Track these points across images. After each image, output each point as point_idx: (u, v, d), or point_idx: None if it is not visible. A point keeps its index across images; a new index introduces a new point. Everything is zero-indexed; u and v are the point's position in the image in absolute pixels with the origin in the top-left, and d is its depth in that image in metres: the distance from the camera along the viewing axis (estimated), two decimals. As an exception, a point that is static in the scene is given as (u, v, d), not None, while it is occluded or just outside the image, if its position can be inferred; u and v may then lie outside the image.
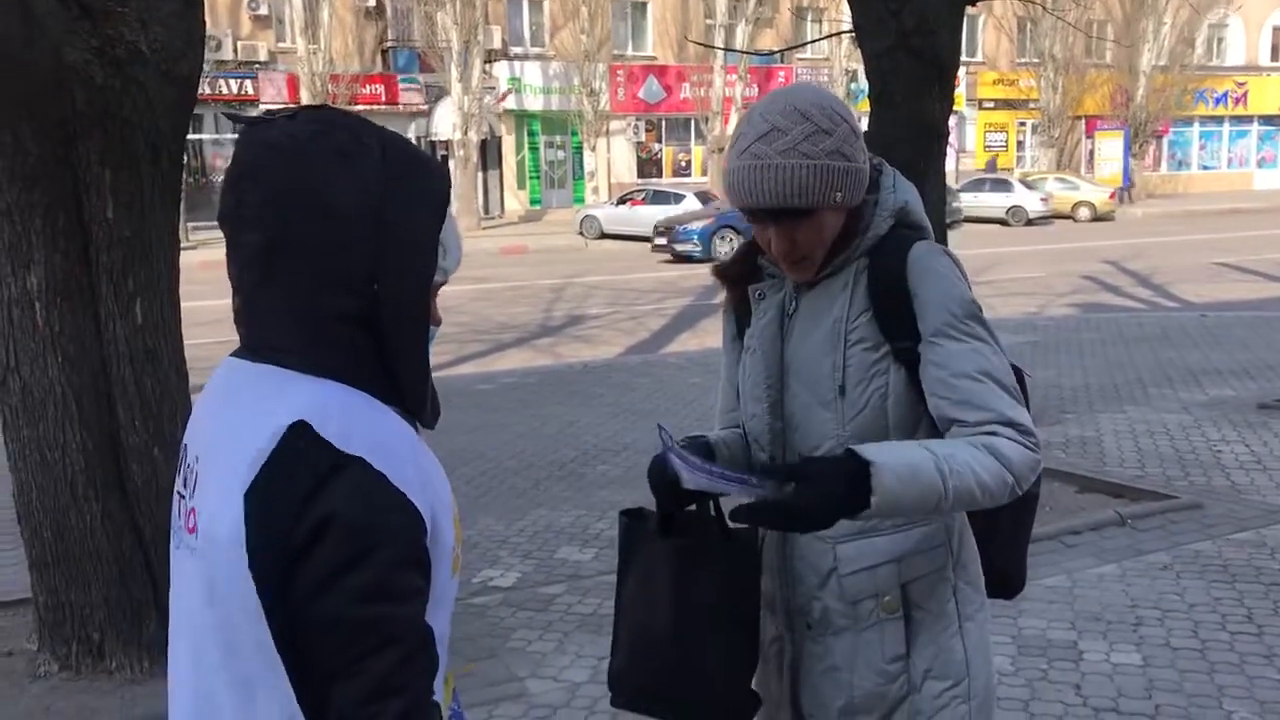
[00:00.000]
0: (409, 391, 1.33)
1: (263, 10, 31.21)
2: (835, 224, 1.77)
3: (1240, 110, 44.40)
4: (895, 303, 1.76)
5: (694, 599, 1.81)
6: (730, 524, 1.80)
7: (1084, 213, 31.95)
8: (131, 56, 4.03)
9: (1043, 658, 4.14)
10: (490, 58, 32.65)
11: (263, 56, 31.14)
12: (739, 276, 1.95)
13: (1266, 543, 5.32)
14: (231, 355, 1.37)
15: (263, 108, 30.69)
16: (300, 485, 1.21)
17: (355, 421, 1.25)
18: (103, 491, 4.14)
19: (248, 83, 30.92)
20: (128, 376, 4.13)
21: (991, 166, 31.61)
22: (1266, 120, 45.21)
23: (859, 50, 6.06)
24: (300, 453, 1.22)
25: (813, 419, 1.80)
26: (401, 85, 32.90)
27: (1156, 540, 5.37)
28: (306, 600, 1.21)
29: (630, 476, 6.86)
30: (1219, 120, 44.36)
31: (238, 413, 1.29)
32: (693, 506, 1.87)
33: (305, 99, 30.06)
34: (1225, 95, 43.41)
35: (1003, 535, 1.95)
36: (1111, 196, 32.98)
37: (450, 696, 1.59)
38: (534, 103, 34.50)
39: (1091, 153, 40.54)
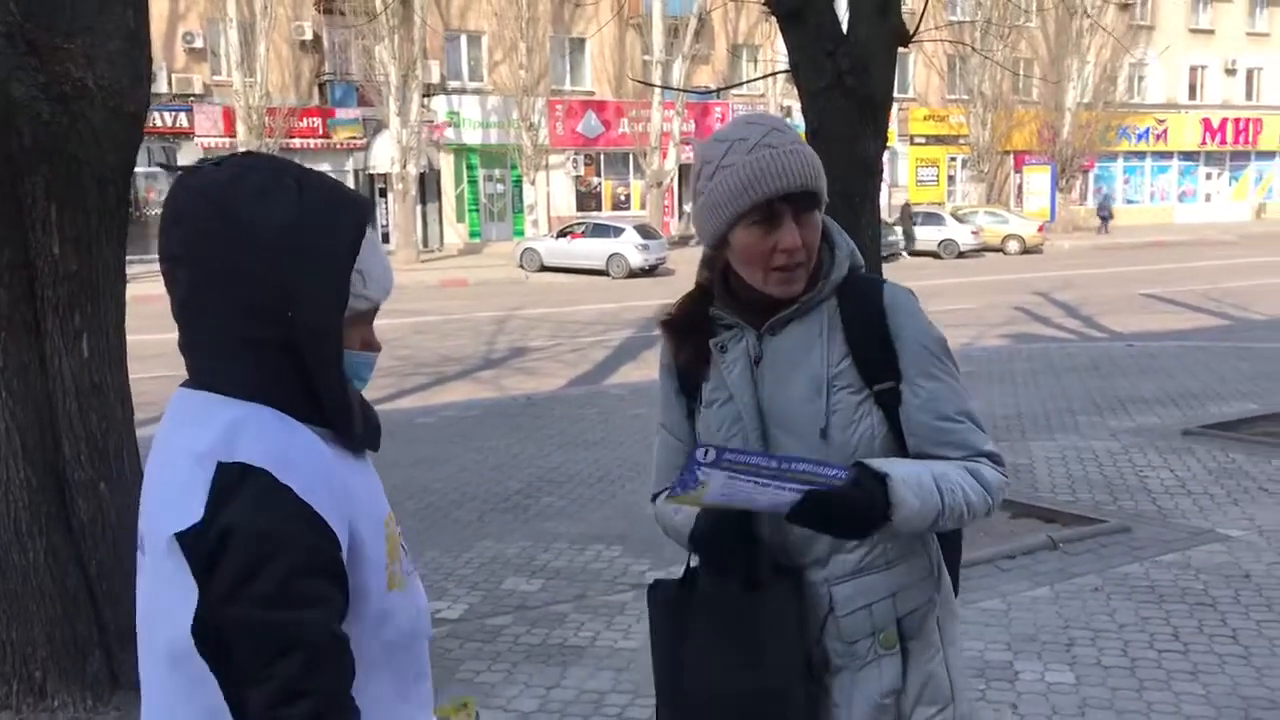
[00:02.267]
0: (331, 410, 1.41)
1: (198, 43, 31.02)
2: (820, 231, 1.83)
3: (1161, 146, 45.76)
4: (876, 346, 1.81)
5: (775, 650, 1.81)
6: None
7: (1013, 245, 32.66)
8: (78, 93, 4.04)
9: (980, 678, 4.25)
10: (429, 91, 32.71)
11: (198, 89, 30.92)
12: (691, 329, 1.93)
13: (1191, 564, 5.51)
14: (180, 385, 1.46)
15: (198, 141, 30.60)
16: (210, 498, 1.30)
17: (265, 439, 1.34)
18: (47, 527, 4.10)
19: (182, 115, 30.67)
20: (74, 411, 4.11)
21: (906, 212, 32.31)
22: (1186, 156, 46.63)
23: (795, 88, 6.21)
24: (214, 471, 1.31)
25: None
26: (337, 123, 32.75)
27: (1087, 563, 5.54)
28: (218, 607, 1.29)
29: (575, 508, 6.92)
30: (1141, 156, 45.66)
31: (172, 437, 1.40)
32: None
33: (241, 132, 29.89)
34: (1147, 132, 44.73)
35: (951, 550, 2.03)
36: (1040, 230, 33.77)
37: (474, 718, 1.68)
38: (473, 136, 34.59)
39: (1020, 187, 41.52)
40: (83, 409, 4.13)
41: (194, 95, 30.87)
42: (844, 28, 5.96)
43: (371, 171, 33.27)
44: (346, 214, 1.42)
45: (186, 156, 30.63)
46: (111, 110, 4.16)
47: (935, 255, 31.15)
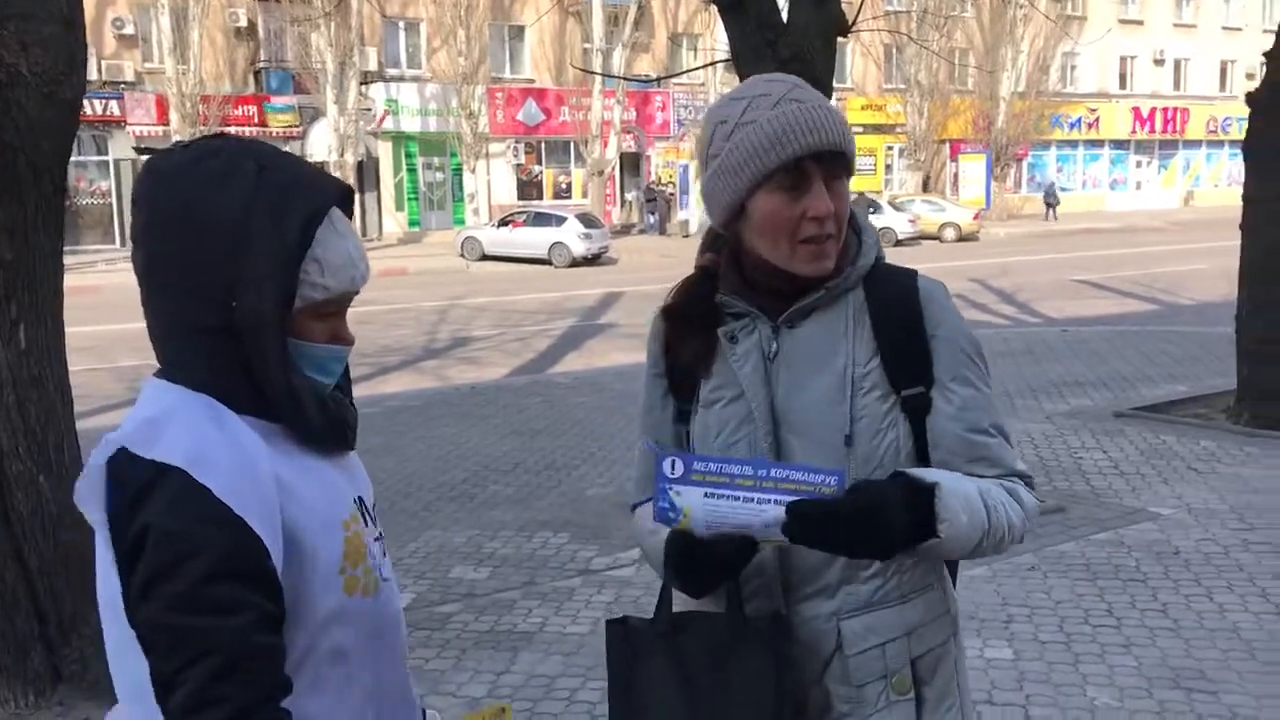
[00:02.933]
0: (277, 403, 1.37)
1: (128, 29, 30.40)
2: (849, 204, 1.63)
3: (1093, 135, 46.59)
4: (910, 344, 1.62)
5: (765, 693, 1.58)
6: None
7: (950, 233, 33.11)
8: (11, 79, 3.98)
9: (922, 656, 4.34)
10: (366, 79, 32.37)
11: (129, 77, 30.30)
12: (697, 318, 1.70)
13: (1124, 542, 5.66)
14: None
15: (130, 129, 30.02)
16: (126, 496, 1.27)
17: (186, 436, 1.30)
18: (-16, 521, 4.04)
19: (113, 103, 30.05)
20: (11, 403, 4.05)
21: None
22: (1117, 145, 47.53)
23: (736, 76, 6.27)
24: (128, 466, 1.28)
25: None
26: (273, 109, 32.31)
27: (1025, 542, 5.65)
28: (134, 607, 1.27)
29: (522, 496, 6.94)
30: (1074, 144, 46.46)
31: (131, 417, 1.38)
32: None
33: (175, 121, 29.38)
34: (1079, 120, 45.50)
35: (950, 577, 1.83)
36: (975, 217, 34.26)
37: None
38: (411, 124, 34.28)
39: (956, 175, 42.06)
40: (21, 401, 4.06)
41: (125, 83, 30.27)
42: (784, 17, 6.03)
43: (308, 160, 32.83)
44: (301, 201, 1.37)
45: (118, 145, 30.07)
46: (46, 97, 4.10)
47: (874, 243, 31.48)
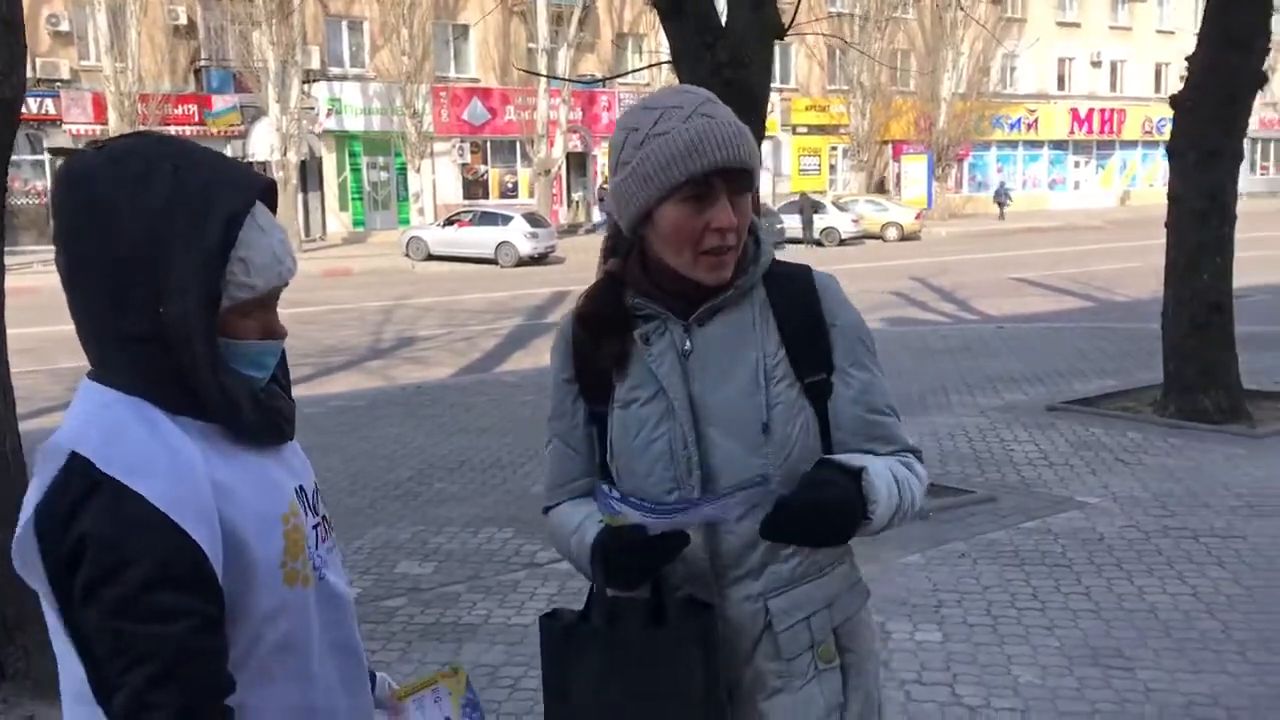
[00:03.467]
0: (210, 404, 1.36)
1: (63, 26, 29.94)
2: (750, 217, 1.72)
3: (1032, 135, 47.38)
4: (810, 334, 1.73)
5: (686, 690, 1.63)
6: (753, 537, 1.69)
7: (892, 233, 33.55)
8: (-47, 80, 4.00)
9: (855, 640, 4.49)
10: (309, 78, 32.13)
11: (65, 74, 29.83)
12: (611, 322, 1.76)
13: (1051, 530, 5.87)
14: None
15: (67, 128, 29.55)
16: (62, 506, 1.27)
17: (120, 443, 1.31)
18: (-72, 521, 4.05)
19: (49, 101, 29.59)
20: (-46, 403, 4.07)
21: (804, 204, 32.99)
22: (1056, 145, 48.39)
23: (678, 79, 6.39)
24: (63, 476, 1.29)
25: (738, 466, 1.67)
26: (214, 113, 31.98)
27: (956, 531, 5.86)
28: (75, 613, 1.29)
29: (467, 493, 7.01)
30: (1014, 145, 47.22)
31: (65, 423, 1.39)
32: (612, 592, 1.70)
33: (113, 120, 28.96)
34: (1019, 121, 46.27)
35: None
36: (917, 217, 34.74)
37: (464, 688, 1.74)
38: (355, 123, 34.08)
39: (898, 175, 42.60)
40: (-37, 399, 4.09)
41: (60, 81, 29.80)
42: (722, 21, 6.17)
43: (250, 159, 32.52)
44: (221, 202, 1.36)
45: (54, 143, 29.57)
46: (-13, 98, 4.12)
47: (818, 243, 31.81)
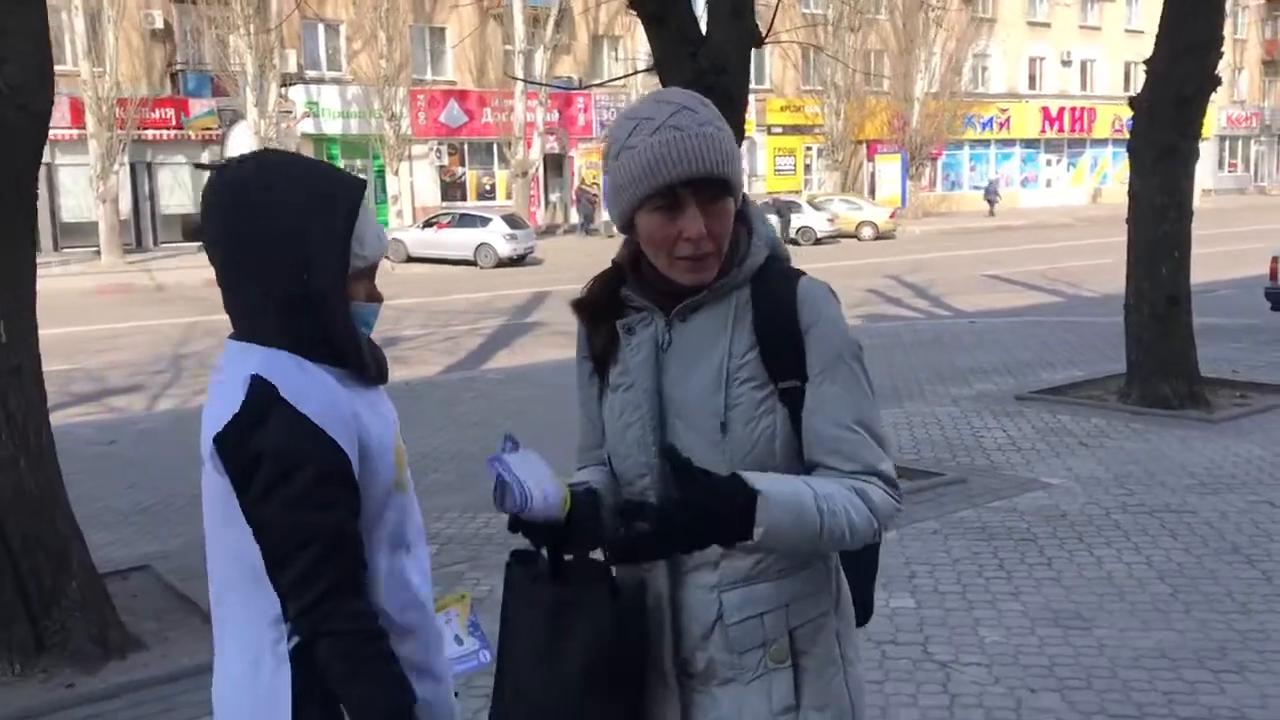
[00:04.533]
0: (344, 351, 1.79)
1: (42, 31, 29.91)
2: (732, 221, 1.74)
3: (1004, 134, 48.01)
4: (785, 340, 1.73)
5: (570, 656, 1.73)
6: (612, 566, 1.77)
7: (867, 232, 33.99)
8: (-10, 93, 4.29)
9: (835, 607, 4.84)
10: (286, 81, 32.29)
11: (43, 79, 29.82)
12: (602, 310, 1.86)
13: (1018, 508, 6.23)
14: (228, 338, 1.88)
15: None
16: (245, 424, 1.69)
17: (287, 376, 1.72)
18: (-31, 504, 4.34)
19: (27, 106, 29.57)
20: (-7, 393, 4.36)
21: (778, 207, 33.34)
22: (1027, 144, 49.03)
23: (657, 80, 6.71)
24: (248, 401, 1.70)
25: (698, 459, 1.66)
26: (191, 120, 32.09)
27: (928, 510, 6.22)
28: (252, 510, 1.69)
29: (463, 483, 7.31)
30: (986, 144, 47.82)
31: (219, 375, 1.81)
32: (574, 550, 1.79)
33: (91, 124, 29.02)
34: (991, 120, 46.86)
35: (863, 568, 2.02)
36: (892, 216, 35.21)
37: (469, 611, 2.16)
38: (333, 126, 34.27)
39: (873, 175, 43.11)
40: (3, 390, 4.37)
41: (39, 85, 29.78)
42: (703, 29, 6.49)
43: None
44: (343, 196, 1.79)
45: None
46: (21, 109, 4.41)
47: (794, 242, 32.19)
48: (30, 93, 4.45)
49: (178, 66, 32.33)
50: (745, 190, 1.81)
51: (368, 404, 1.83)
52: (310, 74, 33.84)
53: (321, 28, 34.34)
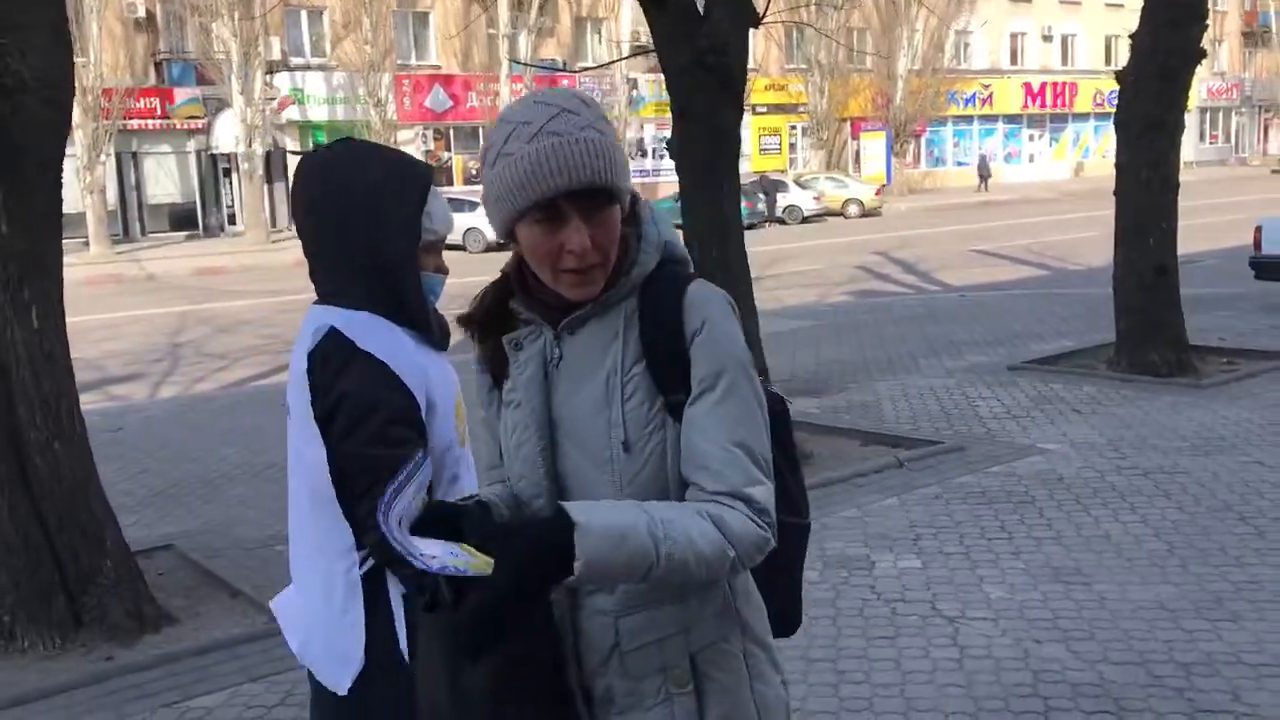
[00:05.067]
0: (414, 314, 2.02)
1: (24, 22, 29.79)
2: (619, 229, 1.63)
3: (987, 110, 48.16)
4: (671, 350, 1.62)
5: (478, 669, 1.62)
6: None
7: (854, 209, 34.15)
8: (18, 85, 4.41)
9: (843, 569, 5.03)
10: (271, 69, 32.23)
11: (26, 70, 29.72)
12: (489, 325, 1.73)
13: (1015, 472, 6.42)
14: (312, 303, 2.08)
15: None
16: (330, 370, 1.91)
17: (368, 331, 1.94)
18: (7, 486, 4.49)
19: (11, 98, 29.47)
20: (27, 378, 4.49)
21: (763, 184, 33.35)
22: (1010, 119, 49.22)
23: (641, 62, 6.85)
24: (329, 350, 1.92)
25: (587, 481, 1.63)
26: (177, 106, 32.02)
27: (928, 477, 6.39)
28: (337, 446, 1.92)
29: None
30: (969, 120, 47.97)
31: (303, 331, 2.03)
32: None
33: (77, 114, 28.87)
34: (974, 96, 47.00)
35: (784, 579, 1.91)
36: (878, 193, 35.37)
37: None
38: (319, 113, 34.19)
39: (858, 152, 43.25)
40: (36, 375, 4.50)
41: (22, 77, 29.67)
42: (702, 11, 6.63)
43: (215, 151, 32.70)
44: (414, 177, 2.04)
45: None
46: (46, 100, 4.54)
47: (781, 221, 32.37)
48: (54, 84, 4.58)
49: (161, 55, 32.22)
50: (635, 190, 1.69)
51: (433, 361, 2.04)
52: (295, 61, 33.76)
53: (305, 14, 34.25)
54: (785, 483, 1.76)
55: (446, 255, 2.20)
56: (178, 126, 32.29)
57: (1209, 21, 9.07)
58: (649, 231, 1.68)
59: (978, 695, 3.82)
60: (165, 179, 32.91)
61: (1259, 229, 12.54)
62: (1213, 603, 4.47)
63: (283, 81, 33.07)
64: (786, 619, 1.92)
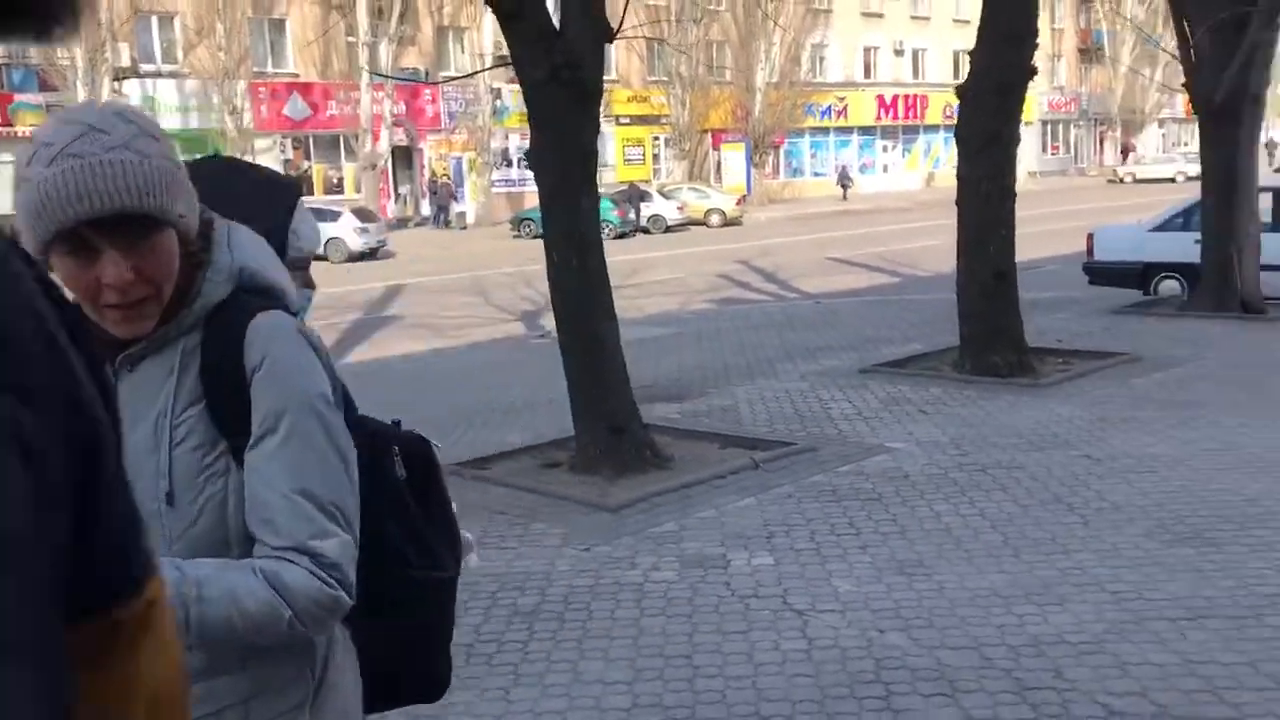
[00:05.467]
0: None
1: None
2: (176, 258, 1.46)
3: (842, 122, 49.57)
4: (232, 388, 1.49)
5: None
6: None
7: (715, 219, 34.75)
8: None
9: (700, 568, 5.19)
10: (120, 76, 31.17)
11: None
12: None
13: (864, 471, 6.70)
14: None
15: None
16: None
17: None
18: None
19: None
20: None
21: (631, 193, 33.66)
22: (865, 130, 50.75)
23: (503, 72, 6.95)
24: None
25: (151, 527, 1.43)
26: (17, 108, 30.70)
27: (783, 477, 6.63)
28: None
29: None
30: (826, 131, 49.29)
31: None
32: None
33: (-94, 121, 27.52)
34: (829, 109, 48.32)
35: (420, 638, 1.81)
36: (739, 203, 36.07)
37: None
38: (171, 121, 33.07)
39: (719, 163, 44.01)
40: None
41: None
42: (558, 26, 6.75)
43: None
44: (282, 193, 2.11)
45: None
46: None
47: (645, 230, 32.74)
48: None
49: (0, 60, 30.85)
50: (211, 215, 1.56)
51: None
52: (145, 68, 32.71)
53: (155, 20, 33.23)
54: (422, 534, 1.71)
55: (315, 268, 2.30)
56: (21, 135, 30.91)
57: (1039, 41, 9.59)
58: (220, 258, 1.54)
59: (824, 684, 4.01)
60: (4, 190, 31.46)
61: (1090, 237, 13.30)
62: (1041, 588, 4.77)
63: (133, 89, 32.01)
64: (428, 681, 1.84)
